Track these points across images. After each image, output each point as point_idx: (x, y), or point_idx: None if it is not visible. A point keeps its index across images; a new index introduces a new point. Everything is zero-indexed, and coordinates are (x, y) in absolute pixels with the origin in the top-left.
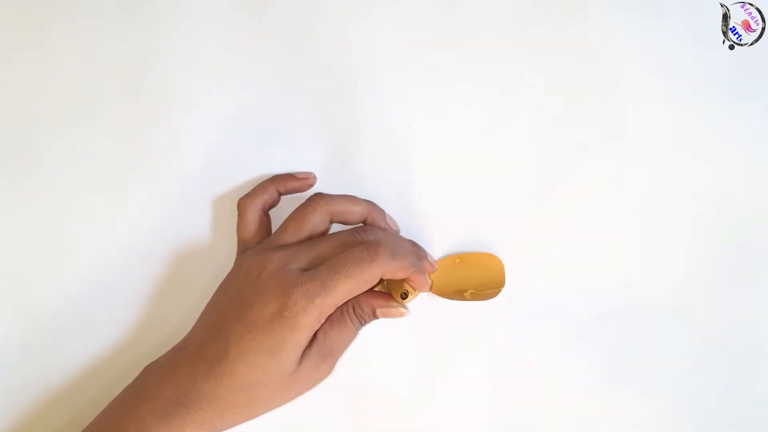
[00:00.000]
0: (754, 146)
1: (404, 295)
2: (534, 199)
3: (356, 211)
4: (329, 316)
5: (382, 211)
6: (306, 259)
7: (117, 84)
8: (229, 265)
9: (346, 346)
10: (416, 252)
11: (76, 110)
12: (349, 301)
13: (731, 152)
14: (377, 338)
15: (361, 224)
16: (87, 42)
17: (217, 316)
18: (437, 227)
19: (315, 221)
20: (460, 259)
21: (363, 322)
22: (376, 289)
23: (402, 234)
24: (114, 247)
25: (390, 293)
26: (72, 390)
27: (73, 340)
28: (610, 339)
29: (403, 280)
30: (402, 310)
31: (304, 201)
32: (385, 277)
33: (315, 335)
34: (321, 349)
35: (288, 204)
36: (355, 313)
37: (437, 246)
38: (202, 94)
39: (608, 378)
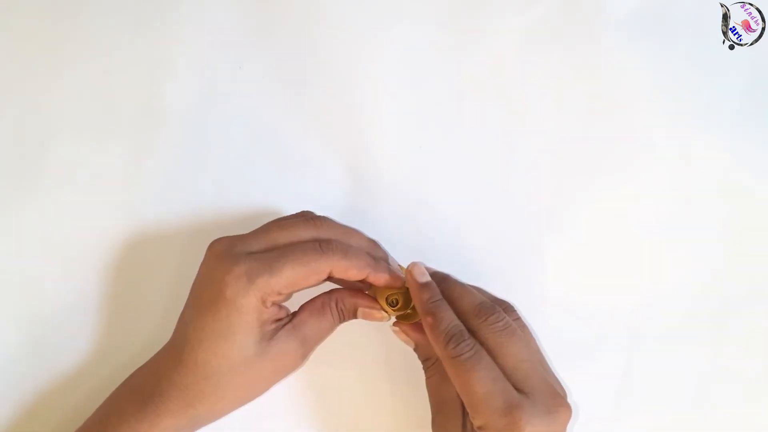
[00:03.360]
0: (756, 148)
1: (394, 303)
2: (543, 222)
3: (355, 245)
4: (309, 305)
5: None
6: (256, 245)
7: (131, 99)
8: None
9: (322, 338)
10: (373, 253)
11: (89, 123)
12: (333, 293)
13: (733, 155)
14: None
15: (319, 215)
16: (103, 57)
17: (185, 304)
18: (446, 249)
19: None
20: None
21: (342, 318)
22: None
23: (410, 256)
24: (118, 254)
25: (376, 298)
26: (69, 388)
27: (72, 341)
28: (616, 363)
29: (364, 281)
30: (383, 313)
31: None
32: (335, 276)
33: (291, 318)
34: (295, 333)
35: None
36: (336, 307)
37: (444, 268)
38: (216, 111)
39: (613, 401)
